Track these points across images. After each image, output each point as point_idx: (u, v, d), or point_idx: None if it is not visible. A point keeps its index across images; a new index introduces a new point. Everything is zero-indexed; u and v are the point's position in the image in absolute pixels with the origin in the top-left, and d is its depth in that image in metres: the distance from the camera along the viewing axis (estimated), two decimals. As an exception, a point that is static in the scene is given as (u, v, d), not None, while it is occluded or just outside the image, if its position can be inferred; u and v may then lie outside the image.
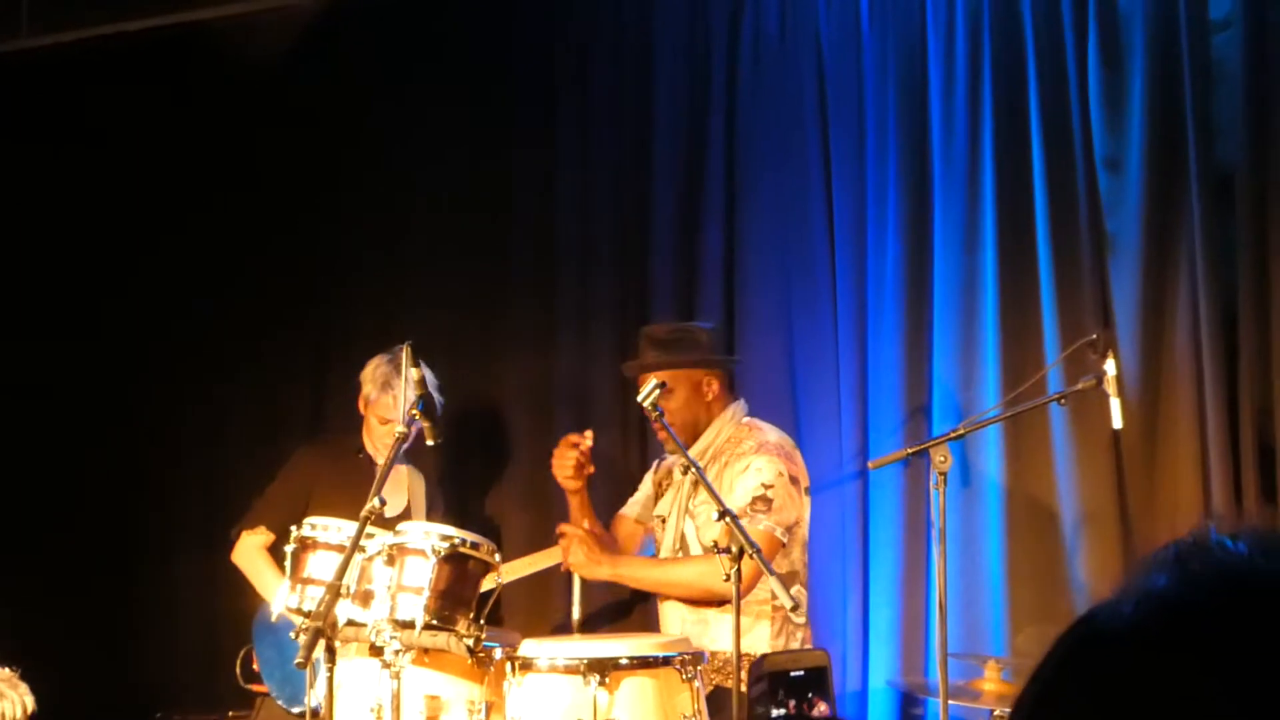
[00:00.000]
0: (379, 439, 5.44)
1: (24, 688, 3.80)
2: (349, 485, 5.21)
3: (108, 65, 6.71)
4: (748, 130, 6.09)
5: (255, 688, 5.47)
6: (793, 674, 4.05)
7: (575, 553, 4.86)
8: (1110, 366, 4.81)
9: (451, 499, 5.83)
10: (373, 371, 5.44)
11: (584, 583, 5.23)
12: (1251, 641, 0.84)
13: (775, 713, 3.92)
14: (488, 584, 4.39)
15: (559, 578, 5.78)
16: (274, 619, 4.90)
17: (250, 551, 5.46)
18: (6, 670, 3.82)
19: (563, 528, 4.94)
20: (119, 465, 6.69)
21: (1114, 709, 0.86)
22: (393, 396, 5.32)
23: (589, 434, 4.97)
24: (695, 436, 4.89)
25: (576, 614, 5.17)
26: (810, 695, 3.98)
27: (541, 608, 6.09)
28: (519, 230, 6.45)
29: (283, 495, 5.41)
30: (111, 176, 6.83)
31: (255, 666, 5.46)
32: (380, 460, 5.47)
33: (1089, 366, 5.02)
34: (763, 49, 6.10)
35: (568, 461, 4.93)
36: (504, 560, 4.62)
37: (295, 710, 4.54)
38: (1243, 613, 0.86)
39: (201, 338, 6.72)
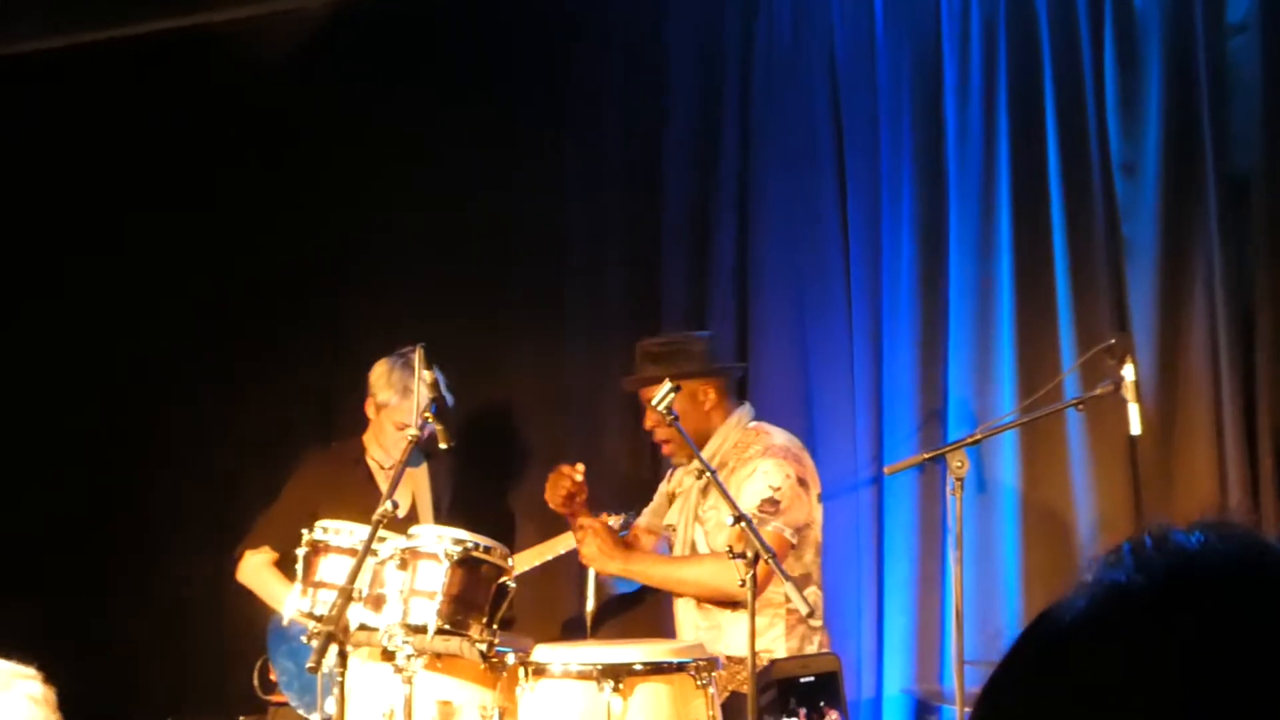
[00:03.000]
0: (392, 443, 5.42)
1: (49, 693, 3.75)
2: (353, 496, 5.19)
3: (118, 66, 6.69)
4: (761, 134, 6.07)
5: (274, 698, 5.45)
6: (803, 680, 4.02)
7: (589, 545, 4.86)
8: (1129, 372, 4.78)
9: (461, 503, 5.81)
10: (387, 377, 5.40)
11: (598, 578, 5.21)
12: (1201, 624, 0.85)
13: None
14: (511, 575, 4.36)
15: (571, 574, 5.77)
16: (285, 623, 4.88)
17: (256, 569, 5.44)
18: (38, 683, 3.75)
19: (581, 521, 4.92)
20: (128, 467, 6.67)
21: (1070, 700, 0.87)
22: (415, 401, 5.29)
23: (580, 467, 4.99)
24: (700, 444, 4.84)
25: (590, 606, 5.14)
26: (821, 703, 3.93)
27: (553, 605, 6.06)
28: (529, 232, 6.43)
29: (285, 514, 5.36)
30: (119, 176, 6.80)
31: (273, 677, 5.43)
32: (387, 465, 5.47)
33: (1106, 372, 4.99)
34: (776, 53, 6.07)
35: (559, 491, 4.96)
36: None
37: (315, 718, 4.52)
38: (1192, 597, 0.86)
39: (211, 339, 6.70)
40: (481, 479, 6.29)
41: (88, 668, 6.33)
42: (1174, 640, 0.84)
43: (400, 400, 5.35)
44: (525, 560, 5.53)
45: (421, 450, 5.35)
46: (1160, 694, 0.83)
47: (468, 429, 5.99)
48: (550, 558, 5.55)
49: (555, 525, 5.65)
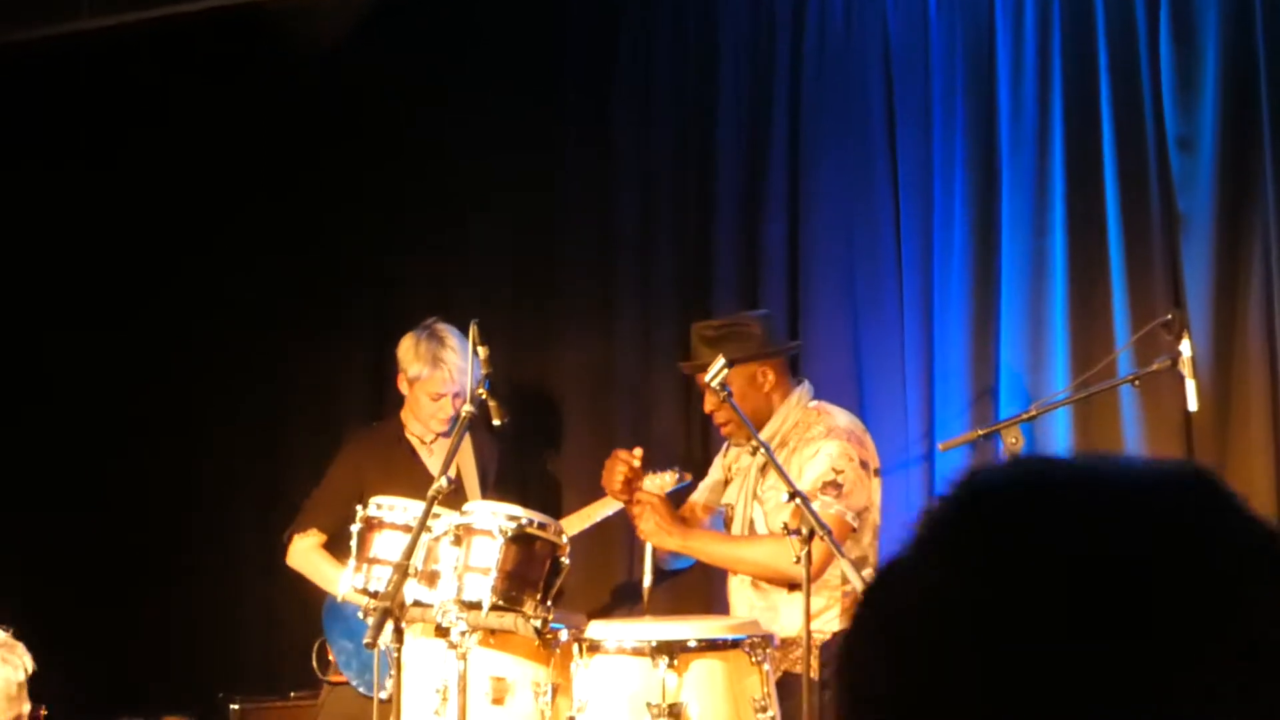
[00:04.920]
0: (428, 415, 5.42)
1: (21, 648, 3.79)
2: (398, 475, 5.19)
3: (167, 46, 6.70)
4: (812, 115, 6.03)
5: (333, 678, 5.45)
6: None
7: (647, 519, 4.78)
8: (1186, 347, 4.75)
9: (513, 479, 5.81)
10: (414, 350, 5.38)
11: (655, 554, 5.17)
12: (983, 539, 0.90)
13: None
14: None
15: (622, 545, 5.77)
16: (339, 599, 4.88)
17: (305, 553, 5.44)
18: (2, 633, 3.81)
19: (639, 495, 4.87)
20: (182, 448, 6.70)
21: (883, 638, 0.91)
22: (446, 371, 5.29)
23: (638, 452, 4.91)
24: (758, 425, 4.79)
25: (648, 582, 5.11)
26: None
27: (603, 576, 6.06)
28: (579, 213, 6.41)
29: (331, 496, 5.36)
30: (169, 158, 6.82)
31: (330, 657, 5.44)
32: (429, 440, 5.47)
33: (1161, 348, 4.96)
34: (828, 33, 6.03)
35: (617, 476, 4.88)
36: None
37: (382, 696, 4.51)
38: (980, 514, 0.92)
39: (261, 317, 6.71)
40: (528, 455, 6.28)
41: (140, 646, 6.42)
42: (958, 559, 0.90)
43: (432, 371, 5.34)
44: (570, 526, 5.51)
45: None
46: (951, 614, 0.87)
47: (516, 406, 5.99)
48: (595, 521, 5.52)
49: (599, 493, 5.64)
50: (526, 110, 6.42)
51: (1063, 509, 0.89)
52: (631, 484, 4.87)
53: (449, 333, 5.35)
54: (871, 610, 0.94)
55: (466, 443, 5.56)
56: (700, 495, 5.27)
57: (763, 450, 4.46)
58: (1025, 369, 5.60)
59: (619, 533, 5.72)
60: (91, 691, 5.88)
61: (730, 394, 4.50)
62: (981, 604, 0.86)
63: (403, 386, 5.49)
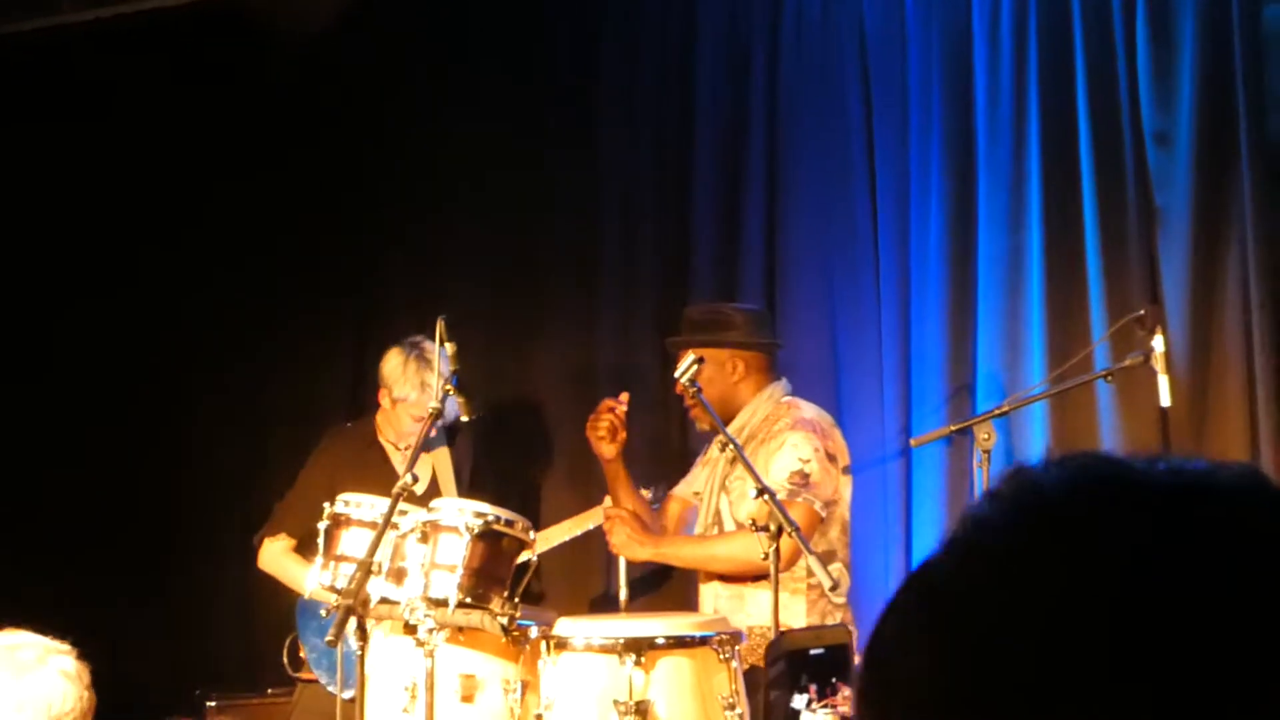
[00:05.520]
0: (407, 432, 5.33)
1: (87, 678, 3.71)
2: (370, 478, 5.15)
3: (147, 40, 6.68)
4: (789, 107, 6.03)
5: (304, 675, 5.45)
6: (813, 653, 3.95)
7: (618, 533, 4.83)
8: (1158, 343, 4.74)
9: (490, 477, 5.79)
10: (402, 369, 5.27)
11: (629, 562, 5.18)
12: (1030, 560, 0.85)
13: (796, 700, 3.77)
14: (523, 557, 4.35)
15: (602, 550, 5.76)
16: (307, 595, 4.87)
17: (275, 556, 5.43)
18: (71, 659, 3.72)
19: (608, 510, 4.92)
20: (158, 443, 6.69)
21: (947, 635, 0.86)
22: (430, 397, 5.24)
23: (624, 397, 4.93)
24: (726, 416, 4.81)
25: (624, 595, 5.12)
26: (834, 679, 3.83)
27: (583, 581, 6.06)
28: (559, 207, 6.41)
29: (304, 498, 5.31)
30: (148, 151, 6.80)
31: (302, 654, 5.44)
32: (402, 446, 5.42)
33: (1136, 343, 4.94)
34: (805, 24, 6.02)
35: (601, 424, 4.89)
36: (541, 530, 4.58)
37: (346, 696, 4.50)
38: (1025, 534, 0.87)
39: (240, 314, 6.70)
40: (510, 454, 6.27)
41: (117, 642, 6.39)
42: (1004, 582, 0.85)
43: (419, 395, 5.21)
44: (555, 535, 5.52)
45: (445, 429, 5.33)
46: (1001, 640, 0.83)
47: (496, 403, 5.98)
48: (579, 533, 5.53)
49: (584, 500, 5.64)
50: (507, 106, 6.41)
51: (1137, 530, 0.84)
52: (616, 433, 4.88)
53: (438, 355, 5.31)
54: (924, 605, 0.90)
55: (445, 451, 5.55)
56: (680, 490, 5.27)
57: (729, 447, 4.46)
58: (1002, 365, 5.58)
59: (597, 541, 5.70)
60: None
61: (699, 390, 4.51)
62: (1042, 632, 0.82)
63: (384, 401, 5.41)
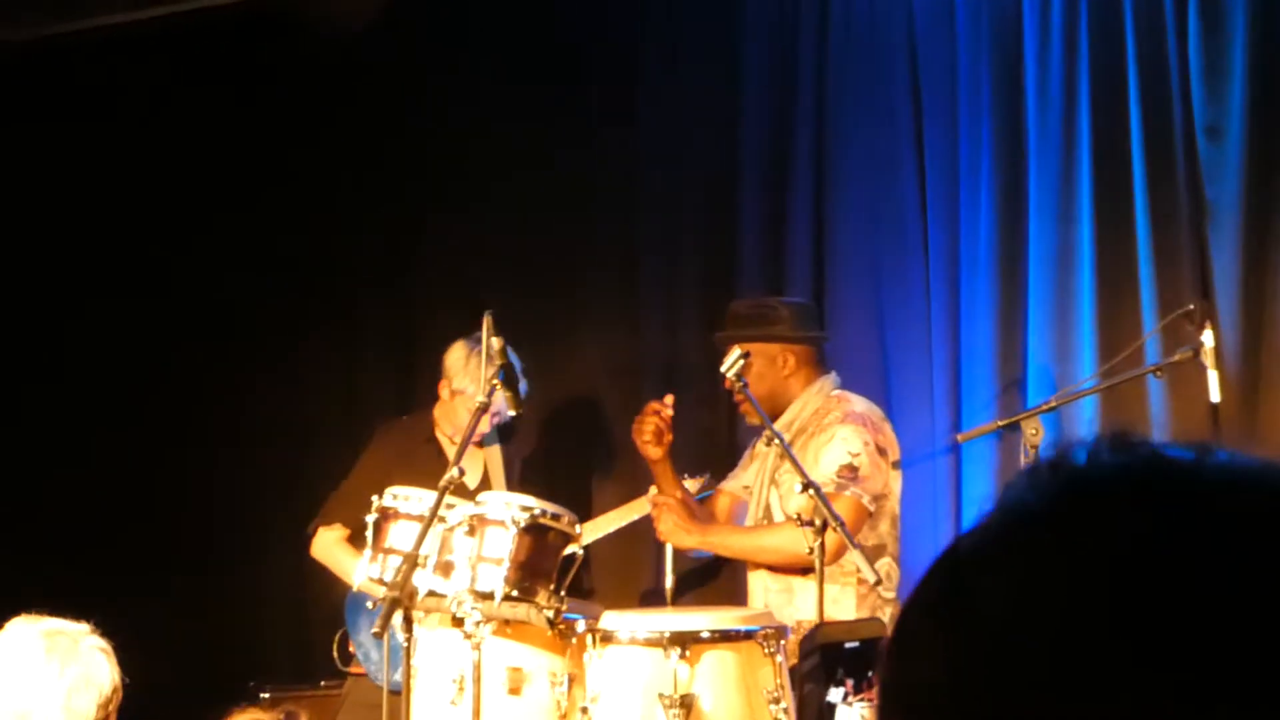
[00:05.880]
0: (463, 424, 5.35)
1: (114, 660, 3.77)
2: (424, 472, 5.17)
3: (180, 41, 6.73)
4: (837, 101, 6.01)
5: (353, 669, 5.50)
6: (848, 646, 3.92)
7: (665, 520, 4.84)
8: (1208, 338, 4.71)
9: (539, 472, 5.82)
10: (465, 362, 5.31)
11: (676, 552, 5.19)
12: (1079, 541, 0.83)
13: (831, 694, 3.74)
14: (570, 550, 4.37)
15: (650, 543, 5.78)
16: (355, 587, 4.90)
17: (328, 545, 5.47)
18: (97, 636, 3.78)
19: (655, 498, 4.92)
20: (209, 438, 6.74)
21: (965, 631, 0.84)
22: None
23: (669, 399, 4.94)
24: (776, 410, 4.82)
25: (669, 583, 5.13)
26: (870, 674, 3.80)
27: (631, 576, 6.07)
28: (604, 200, 6.42)
29: (357, 489, 5.33)
30: (163, 153, 6.83)
31: (351, 648, 5.48)
32: (459, 440, 5.45)
33: (1186, 338, 4.91)
34: (854, 17, 6.01)
35: (647, 427, 4.90)
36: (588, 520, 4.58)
37: (393, 689, 4.53)
38: (1073, 513, 0.85)
39: (286, 311, 6.74)
40: (557, 449, 6.30)
41: (170, 634, 6.46)
42: (1065, 555, 0.83)
43: (477, 389, 5.26)
44: (602, 525, 5.53)
45: (498, 426, 5.37)
46: (1042, 617, 0.82)
47: (543, 398, 6.00)
48: (626, 523, 5.54)
49: (631, 492, 5.65)
50: (553, 100, 6.43)
51: (1188, 533, 0.82)
52: (662, 435, 4.89)
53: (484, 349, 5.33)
54: (945, 597, 0.88)
55: (497, 448, 5.58)
56: (729, 484, 5.28)
57: (777, 441, 4.47)
58: (1052, 359, 5.56)
59: (646, 534, 5.72)
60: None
61: (745, 384, 4.52)
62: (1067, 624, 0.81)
63: (443, 392, 5.45)
